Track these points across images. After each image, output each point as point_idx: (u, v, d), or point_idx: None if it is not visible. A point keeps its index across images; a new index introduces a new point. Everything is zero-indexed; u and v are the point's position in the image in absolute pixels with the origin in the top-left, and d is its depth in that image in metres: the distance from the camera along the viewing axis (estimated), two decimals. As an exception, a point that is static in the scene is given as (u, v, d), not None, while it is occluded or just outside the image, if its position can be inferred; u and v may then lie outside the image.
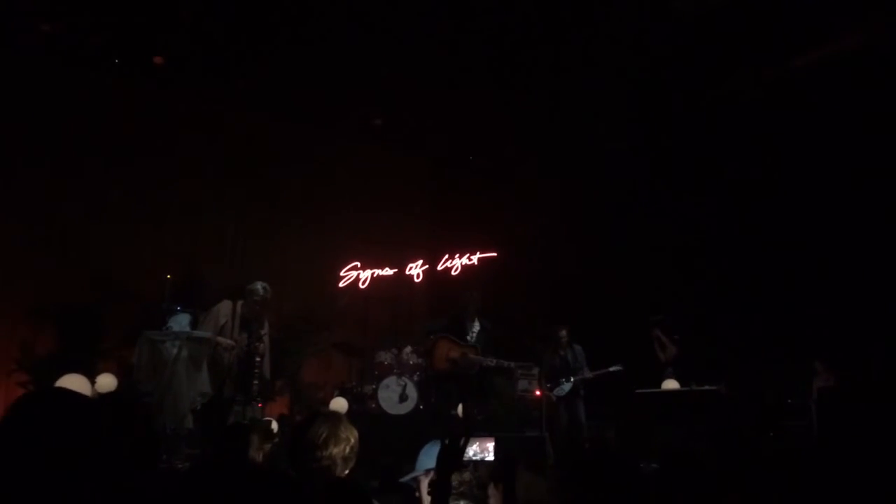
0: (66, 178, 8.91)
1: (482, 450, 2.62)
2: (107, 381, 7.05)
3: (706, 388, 7.67)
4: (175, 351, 6.16)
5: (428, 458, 2.95)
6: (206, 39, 8.42)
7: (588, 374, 8.66)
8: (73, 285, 8.58)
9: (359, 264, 9.76)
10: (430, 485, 2.54)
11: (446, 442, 2.50)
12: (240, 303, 6.62)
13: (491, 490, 2.95)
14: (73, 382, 6.35)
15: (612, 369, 8.60)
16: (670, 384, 8.20)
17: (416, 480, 3.08)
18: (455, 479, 2.95)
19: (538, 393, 8.82)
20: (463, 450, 2.49)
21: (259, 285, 6.61)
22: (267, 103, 9.82)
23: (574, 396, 8.64)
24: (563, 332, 8.79)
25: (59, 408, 1.66)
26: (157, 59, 8.79)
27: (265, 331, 6.70)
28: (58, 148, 8.75)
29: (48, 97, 8.70)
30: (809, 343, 8.05)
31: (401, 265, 9.99)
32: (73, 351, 7.94)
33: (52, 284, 8.63)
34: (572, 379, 8.60)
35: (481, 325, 8.43)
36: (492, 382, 8.82)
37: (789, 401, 8.07)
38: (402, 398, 8.22)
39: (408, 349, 8.69)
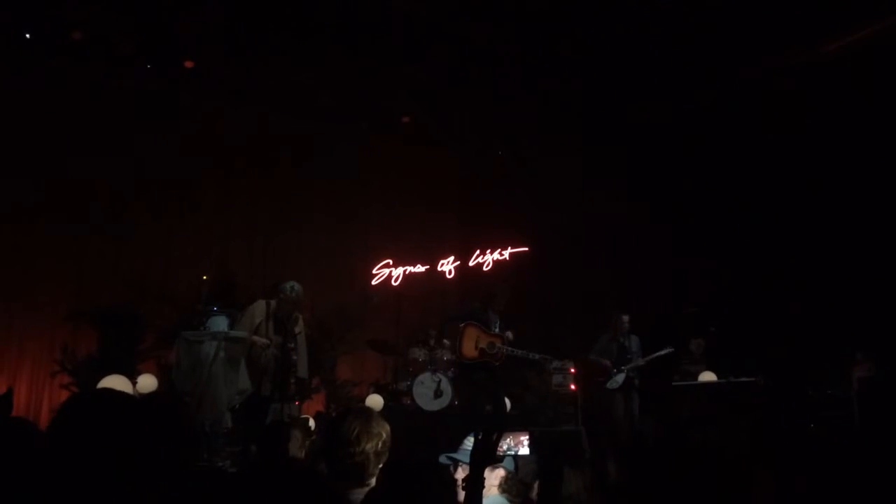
0: (100, 182, 9.08)
1: (516, 443, 2.61)
2: (148, 382, 7.17)
3: (743, 379, 7.59)
4: (212, 351, 6.24)
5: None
6: (233, 38, 8.51)
7: (640, 362, 8.30)
8: (110, 289, 8.75)
9: (391, 262, 9.79)
10: (463, 479, 2.55)
11: (479, 436, 2.50)
12: (273, 302, 6.67)
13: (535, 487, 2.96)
14: (116, 383, 6.47)
15: (663, 353, 8.25)
16: (707, 376, 8.11)
17: (455, 466, 3.07)
18: (496, 475, 2.95)
19: (573, 387, 8.79)
20: (496, 444, 2.49)
21: (288, 285, 6.65)
22: (297, 103, 9.90)
23: (629, 388, 8.27)
24: (626, 319, 8.40)
25: (109, 408, 1.70)
26: (188, 64, 8.91)
27: (299, 329, 6.74)
28: (92, 152, 8.90)
29: (82, 101, 8.86)
30: (849, 333, 7.92)
31: (432, 262, 9.99)
32: (113, 353, 8.08)
33: (91, 288, 8.82)
34: (624, 369, 8.23)
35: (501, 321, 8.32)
36: (525, 376, 8.80)
37: (829, 391, 7.95)
38: (437, 394, 8.23)
39: (446, 342, 8.64)
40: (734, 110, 9.04)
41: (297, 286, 6.61)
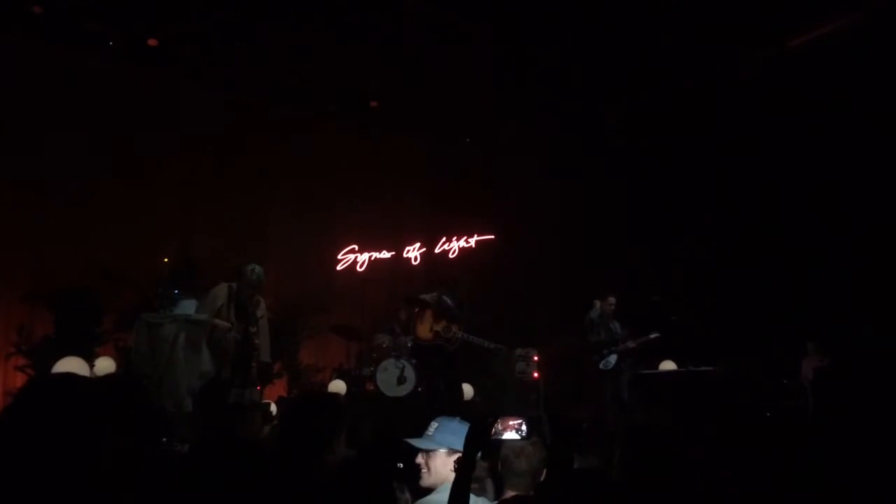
0: (60, 162, 8.87)
1: (504, 427, 2.62)
2: (105, 365, 7.05)
3: (703, 368, 7.71)
4: (173, 334, 6.15)
5: (454, 436, 2.94)
6: (199, 20, 8.36)
7: (631, 344, 8.31)
8: (69, 269, 8.55)
9: (356, 247, 9.75)
10: (456, 462, 2.57)
11: (475, 422, 2.53)
12: (234, 285, 6.60)
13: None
14: (72, 366, 6.35)
15: (651, 336, 8.27)
16: (668, 365, 8.22)
17: (428, 454, 3.06)
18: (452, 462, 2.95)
19: (536, 375, 8.84)
20: (491, 430, 2.51)
21: (248, 267, 6.59)
22: (262, 85, 9.78)
23: (619, 371, 8.31)
24: (613, 301, 8.40)
25: (66, 392, 1.66)
26: (152, 42, 8.74)
27: (262, 313, 6.69)
28: (52, 131, 8.69)
29: (42, 80, 8.65)
30: (802, 324, 8.10)
31: (398, 248, 9.98)
32: (71, 335, 7.92)
33: (49, 269, 8.61)
34: (615, 351, 8.25)
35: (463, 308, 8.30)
36: (488, 363, 8.83)
37: (785, 381, 8.12)
38: (401, 380, 8.21)
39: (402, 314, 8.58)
40: (701, 102, 9.14)
41: (257, 268, 6.55)
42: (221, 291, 6.52)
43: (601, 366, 8.27)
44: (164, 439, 5.35)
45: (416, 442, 3.09)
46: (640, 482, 2.56)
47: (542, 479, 2.87)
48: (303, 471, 2.54)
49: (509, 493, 2.85)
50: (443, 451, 3.03)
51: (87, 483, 1.62)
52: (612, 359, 8.26)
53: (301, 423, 2.78)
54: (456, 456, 2.87)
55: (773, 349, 8.28)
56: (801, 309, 8.21)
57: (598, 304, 8.44)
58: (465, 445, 2.50)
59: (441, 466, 3.02)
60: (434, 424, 3.11)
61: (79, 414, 1.61)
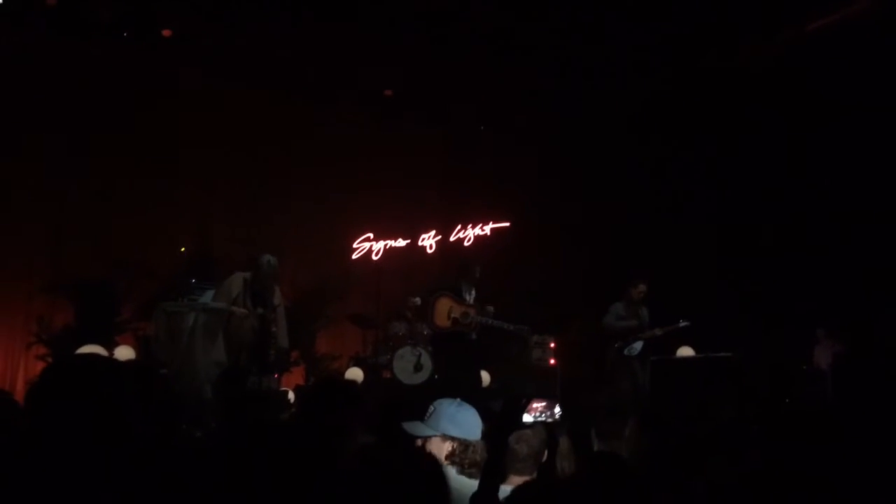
0: (78, 155, 8.94)
1: (533, 410, 2.62)
2: (124, 353, 7.12)
3: (721, 354, 7.66)
4: (191, 322, 6.20)
5: (450, 422, 2.90)
6: (213, 11, 8.37)
7: (658, 332, 8.13)
8: (88, 260, 8.64)
9: (371, 236, 9.75)
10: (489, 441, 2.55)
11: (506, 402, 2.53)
12: (248, 275, 6.65)
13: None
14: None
15: (681, 325, 8.09)
16: (685, 351, 8.18)
17: (424, 439, 3.01)
18: (445, 448, 2.91)
19: (553, 362, 8.83)
20: (522, 412, 2.50)
21: (264, 258, 6.63)
22: (278, 76, 9.77)
23: (644, 358, 8.17)
24: (643, 288, 8.23)
25: (92, 371, 1.67)
26: (166, 33, 8.76)
27: (278, 301, 6.73)
28: (69, 124, 8.76)
29: (58, 74, 8.69)
30: (817, 310, 8.03)
31: (413, 236, 9.97)
32: (90, 324, 8.00)
33: (68, 260, 8.71)
34: (641, 337, 8.11)
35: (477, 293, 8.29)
36: (505, 350, 8.83)
37: (804, 367, 8.07)
38: (417, 368, 8.25)
39: (416, 299, 8.56)
40: (714, 87, 9.05)
41: (272, 259, 6.59)
42: (237, 281, 6.56)
43: (626, 351, 8.11)
44: (184, 427, 5.40)
45: (409, 427, 3.00)
46: (662, 467, 2.55)
47: (544, 460, 2.85)
48: (325, 457, 2.54)
49: (514, 479, 2.83)
50: (438, 437, 2.94)
51: (109, 460, 1.63)
52: (638, 345, 8.10)
53: (321, 410, 2.79)
54: (449, 443, 2.85)
55: (792, 335, 8.23)
56: (817, 295, 8.13)
57: (629, 290, 8.29)
58: (496, 428, 2.48)
59: (436, 452, 2.97)
60: (431, 408, 3.04)
61: (101, 391, 1.61)
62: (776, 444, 3.27)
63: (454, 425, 2.84)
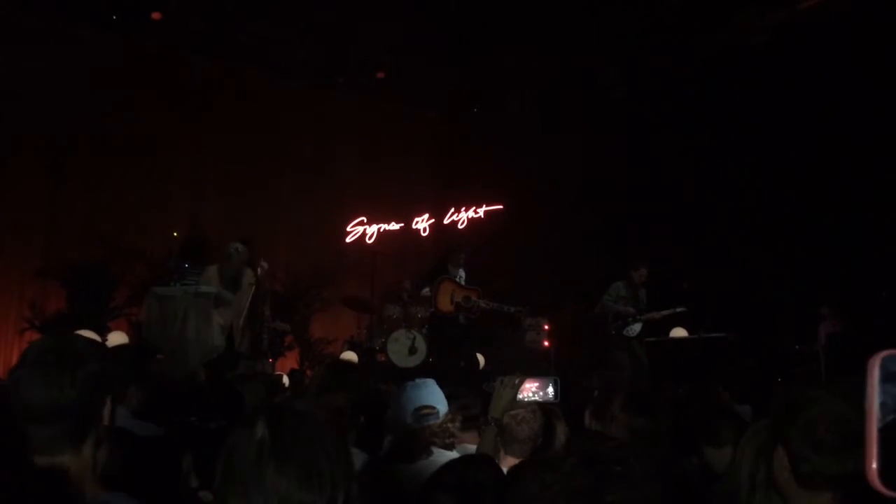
0: (71, 139, 8.91)
1: (527, 390, 2.64)
2: (117, 338, 7.10)
3: (714, 335, 7.68)
4: (183, 306, 6.19)
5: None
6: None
7: (656, 315, 8.18)
8: (80, 245, 8.63)
9: (365, 219, 9.74)
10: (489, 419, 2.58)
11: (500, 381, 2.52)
12: (218, 266, 6.73)
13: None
14: (85, 339, 6.38)
15: (678, 310, 8.12)
16: (679, 332, 8.19)
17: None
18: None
19: (546, 343, 8.86)
20: (517, 390, 2.51)
21: (232, 247, 6.74)
22: (270, 57, 9.72)
23: (640, 339, 8.22)
24: (644, 271, 8.24)
25: (74, 347, 1.65)
26: (156, 15, 8.69)
27: (249, 281, 6.77)
28: (61, 109, 8.72)
29: (51, 56, 8.62)
30: (816, 288, 8.03)
31: (407, 220, 9.97)
32: (83, 309, 7.99)
33: (61, 245, 8.70)
34: (640, 319, 8.13)
35: (466, 274, 8.33)
36: (499, 333, 8.85)
37: (797, 347, 8.09)
38: (412, 351, 8.25)
39: (426, 290, 8.58)
40: (716, 64, 9.01)
41: (240, 247, 6.67)
42: (212, 273, 6.63)
43: (625, 332, 8.17)
44: (177, 410, 5.41)
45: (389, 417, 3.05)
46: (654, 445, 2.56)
47: (539, 444, 2.86)
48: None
49: (508, 460, 2.84)
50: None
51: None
52: (637, 327, 8.19)
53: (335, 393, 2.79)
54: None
55: (787, 315, 8.23)
56: (817, 273, 8.12)
57: (630, 273, 8.33)
58: (493, 405, 2.50)
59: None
60: (408, 386, 3.07)
61: (84, 369, 1.59)
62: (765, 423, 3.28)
63: (436, 403, 2.87)
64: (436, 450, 2.76)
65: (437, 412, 2.87)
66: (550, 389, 2.63)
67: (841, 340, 7.46)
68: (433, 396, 2.92)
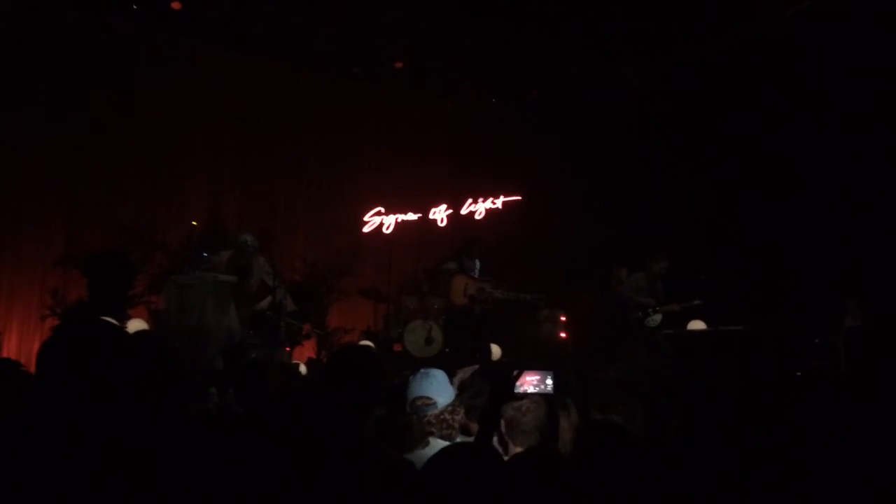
0: (90, 129, 8.98)
1: (525, 383, 2.64)
2: (137, 326, 7.17)
3: (732, 328, 7.63)
4: (202, 294, 6.24)
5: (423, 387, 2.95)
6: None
7: (675, 307, 8.22)
8: (101, 234, 8.72)
9: (382, 210, 9.74)
10: (481, 415, 2.59)
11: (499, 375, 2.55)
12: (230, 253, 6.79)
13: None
14: (105, 327, 6.45)
15: (695, 303, 8.18)
16: (697, 325, 8.15)
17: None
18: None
19: (563, 335, 8.84)
20: (514, 383, 2.52)
21: (241, 238, 6.88)
22: (289, 48, 9.74)
23: (659, 330, 8.26)
24: (665, 263, 8.30)
25: (99, 334, 1.68)
26: (176, 5, 8.72)
27: (256, 273, 6.83)
28: (80, 98, 8.79)
29: (69, 47, 8.71)
30: (839, 281, 7.93)
31: (424, 210, 9.96)
32: (103, 297, 8.06)
33: (81, 234, 8.79)
34: (660, 310, 8.21)
35: (482, 264, 8.35)
36: (514, 324, 8.85)
37: (816, 340, 8.00)
38: (429, 341, 8.28)
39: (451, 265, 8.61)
40: (729, 60, 8.93)
41: (249, 238, 6.76)
42: (222, 259, 6.70)
43: (647, 322, 8.20)
44: (195, 398, 5.45)
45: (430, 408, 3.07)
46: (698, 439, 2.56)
47: (546, 432, 2.87)
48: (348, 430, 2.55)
49: (516, 451, 2.85)
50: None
51: (115, 425, 1.65)
52: (658, 318, 8.22)
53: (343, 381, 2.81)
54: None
55: (810, 307, 8.14)
56: (840, 264, 8.03)
57: (650, 264, 8.34)
58: (490, 398, 2.52)
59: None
60: (410, 378, 3.10)
61: (108, 353, 1.62)
62: (784, 418, 3.26)
63: (433, 394, 2.89)
64: (433, 440, 2.78)
65: (435, 403, 2.90)
66: (549, 381, 2.63)
67: (862, 334, 7.37)
68: (432, 387, 2.95)
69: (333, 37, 9.59)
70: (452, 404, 3.00)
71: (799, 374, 7.18)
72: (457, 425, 2.96)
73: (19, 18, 8.42)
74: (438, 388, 2.97)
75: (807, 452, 2.93)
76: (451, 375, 3.36)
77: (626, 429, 2.42)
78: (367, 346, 6.76)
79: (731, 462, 2.88)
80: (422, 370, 3.08)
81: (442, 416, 2.92)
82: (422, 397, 2.94)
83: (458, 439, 3.00)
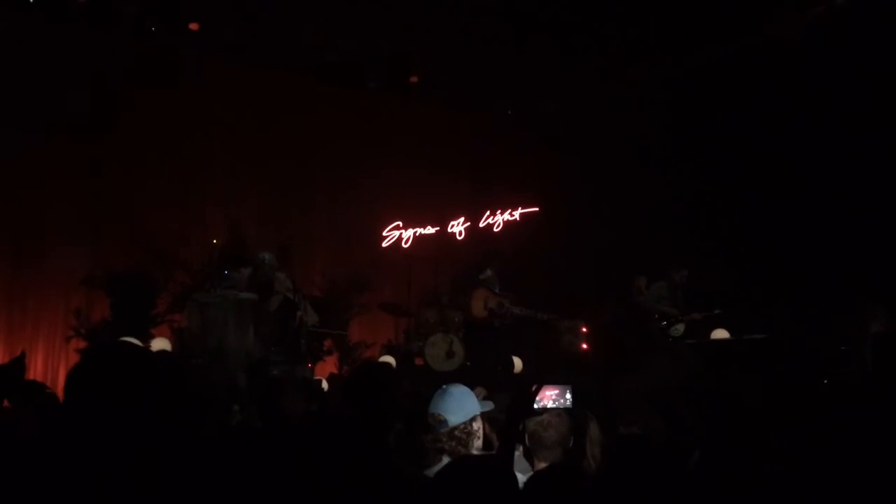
0: (110, 149, 9.10)
1: (545, 397, 2.62)
2: (160, 345, 7.22)
3: (756, 336, 7.55)
4: (223, 312, 6.28)
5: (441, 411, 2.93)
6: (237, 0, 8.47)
7: (697, 317, 8.18)
8: (123, 254, 8.79)
9: (401, 224, 9.76)
10: (499, 431, 2.57)
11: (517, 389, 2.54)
12: (250, 270, 6.85)
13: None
14: (128, 346, 6.50)
15: (715, 312, 8.14)
16: (720, 334, 8.07)
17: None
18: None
19: (584, 347, 8.78)
20: (534, 397, 2.50)
21: (260, 256, 7.04)
22: (305, 63, 9.84)
23: (683, 340, 8.20)
24: (686, 273, 8.31)
25: (127, 358, 1.70)
26: (193, 25, 8.85)
27: (278, 288, 6.87)
28: (102, 119, 8.90)
29: (92, 68, 8.84)
30: (862, 286, 7.82)
31: (442, 223, 9.97)
32: (127, 317, 8.14)
33: (103, 254, 8.87)
34: (683, 320, 8.19)
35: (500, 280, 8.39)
36: (535, 336, 8.82)
37: (843, 347, 7.88)
38: (449, 355, 8.27)
39: (488, 272, 8.63)
40: (746, 65, 8.87)
41: (267, 256, 6.85)
42: (242, 276, 6.75)
43: (671, 331, 8.17)
44: (219, 417, 5.48)
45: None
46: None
47: (570, 446, 2.84)
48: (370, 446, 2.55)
49: (541, 465, 2.83)
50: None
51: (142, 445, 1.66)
52: (681, 327, 8.19)
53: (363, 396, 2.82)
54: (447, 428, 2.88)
55: (835, 314, 8.03)
56: (867, 269, 7.92)
57: (671, 273, 8.33)
58: (508, 413, 2.50)
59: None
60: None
61: (135, 377, 1.65)
62: (812, 427, 3.21)
63: (444, 412, 2.88)
64: (445, 458, 2.76)
65: (445, 421, 2.88)
66: (569, 395, 2.61)
67: (889, 340, 7.26)
68: (445, 404, 2.93)
69: (348, 52, 9.67)
70: (468, 422, 2.96)
71: (826, 381, 7.08)
72: (471, 442, 2.93)
73: (43, 40, 8.55)
74: (452, 406, 2.93)
75: (835, 462, 2.88)
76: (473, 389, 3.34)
77: (650, 443, 2.39)
78: (385, 363, 6.76)
79: (756, 472, 2.84)
80: (443, 386, 3.06)
81: (454, 434, 2.89)
82: (433, 414, 2.93)
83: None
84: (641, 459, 2.15)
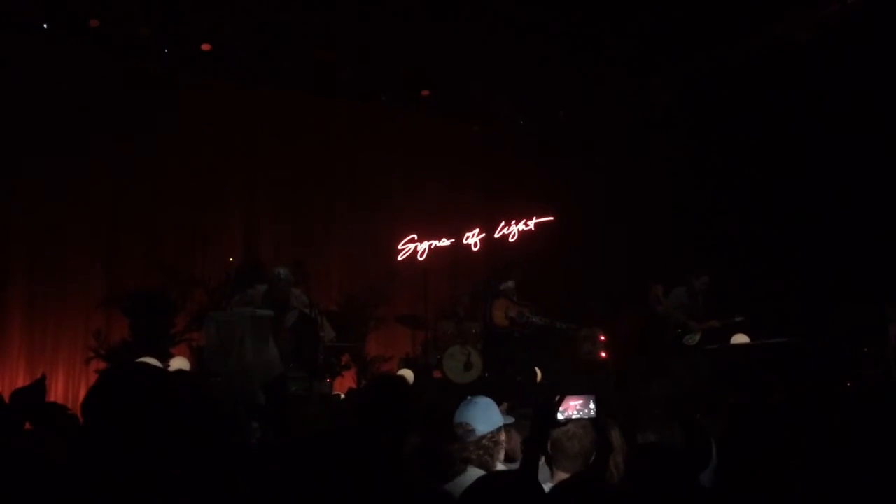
0: (128, 171, 9.19)
1: (569, 408, 2.61)
2: (179, 364, 7.25)
3: (776, 340, 7.48)
4: (241, 330, 6.30)
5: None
6: (249, 18, 8.54)
7: (716, 324, 8.10)
8: (140, 274, 8.87)
9: (416, 236, 9.77)
10: (523, 442, 2.57)
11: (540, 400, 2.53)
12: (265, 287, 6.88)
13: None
14: (148, 366, 6.54)
15: (736, 319, 8.06)
16: (740, 338, 8.01)
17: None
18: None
19: (603, 355, 8.74)
20: (557, 408, 2.50)
21: (276, 271, 6.94)
22: (316, 80, 9.91)
23: (701, 348, 8.15)
24: (706, 279, 8.23)
25: (145, 379, 1.72)
26: (205, 47, 8.95)
27: (295, 304, 6.89)
28: (117, 141, 9.01)
29: (106, 91, 8.94)
30: (880, 289, 7.74)
31: (457, 235, 9.97)
32: (146, 337, 8.19)
33: (122, 275, 8.95)
34: (700, 328, 8.14)
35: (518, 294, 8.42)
36: (555, 345, 8.79)
37: (865, 349, 7.81)
38: (468, 367, 8.24)
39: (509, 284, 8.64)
40: (758, 68, 8.83)
41: (283, 272, 6.83)
42: (257, 293, 6.77)
43: (686, 340, 8.11)
44: (238, 434, 5.49)
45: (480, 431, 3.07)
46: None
47: (593, 460, 2.82)
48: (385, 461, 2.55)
49: (560, 476, 2.82)
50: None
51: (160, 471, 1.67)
52: (697, 336, 8.12)
53: (377, 411, 2.82)
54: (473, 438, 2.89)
55: (856, 316, 7.95)
56: (883, 273, 7.84)
57: (691, 280, 8.28)
58: (532, 425, 2.49)
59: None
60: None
61: (153, 398, 1.66)
62: (834, 430, 3.17)
63: (472, 421, 2.89)
64: (470, 468, 2.77)
65: (474, 430, 2.89)
66: (592, 405, 2.60)
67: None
68: (470, 414, 2.95)
69: (359, 67, 9.73)
70: (495, 432, 2.98)
71: (849, 384, 7.00)
72: (497, 453, 2.94)
73: (57, 66, 8.68)
74: (480, 415, 2.96)
75: (858, 464, 2.85)
76: (497, 402, 3.34)
77: (669, 451, 2.37)
78: (399, 377, 6.75)
79: (776, 478, 2.81)
80: (468, 397, 3.09)
81: (481, 443, 2.91)
82: (461, 424, 2.94)
83: (500, 467, 2.97)
84: (661, 469, 2.13)
